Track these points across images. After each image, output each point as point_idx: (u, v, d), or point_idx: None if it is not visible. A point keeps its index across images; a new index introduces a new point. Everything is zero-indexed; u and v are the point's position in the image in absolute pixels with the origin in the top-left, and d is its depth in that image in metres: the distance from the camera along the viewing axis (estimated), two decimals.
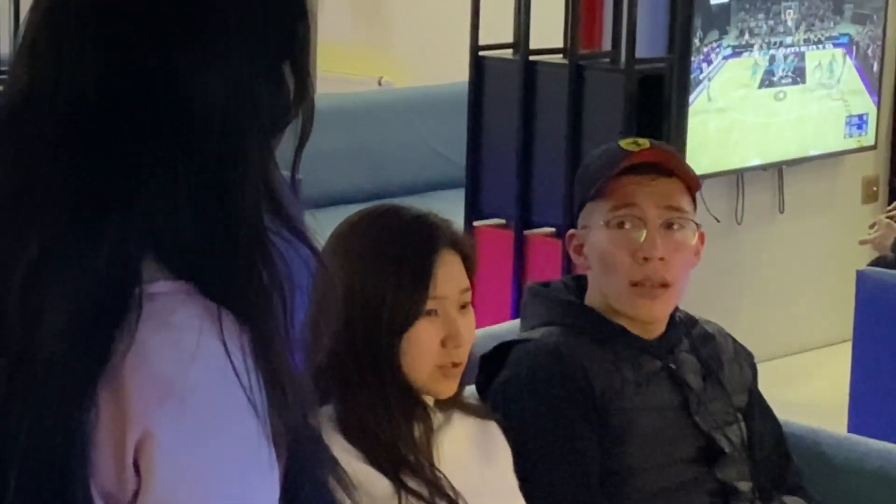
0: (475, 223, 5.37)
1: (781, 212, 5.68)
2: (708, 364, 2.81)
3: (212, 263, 1.30)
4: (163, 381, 1.25)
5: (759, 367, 2.94)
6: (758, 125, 5.57)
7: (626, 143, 2.87)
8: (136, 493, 1.25)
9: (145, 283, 1.25)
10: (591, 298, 2.83)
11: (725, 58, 5.38)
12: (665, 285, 2.71)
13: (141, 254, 1.27)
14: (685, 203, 2.76)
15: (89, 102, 1.30)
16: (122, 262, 1.27)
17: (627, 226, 2.72)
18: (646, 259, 2.68)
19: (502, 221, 5.36)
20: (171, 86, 1.31)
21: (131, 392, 1.25)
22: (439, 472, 2.40)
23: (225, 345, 1.25)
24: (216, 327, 1.26)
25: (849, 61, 5.76)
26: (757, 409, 2.88)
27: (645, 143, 2.87)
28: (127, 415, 1.25)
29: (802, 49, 5.65)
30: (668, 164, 2.79)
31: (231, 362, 1.25)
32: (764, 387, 2.98)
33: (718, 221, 5.22)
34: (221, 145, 1.31)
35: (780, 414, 2.97)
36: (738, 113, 5.49)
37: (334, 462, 1.55)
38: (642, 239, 2.70)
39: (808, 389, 4.97)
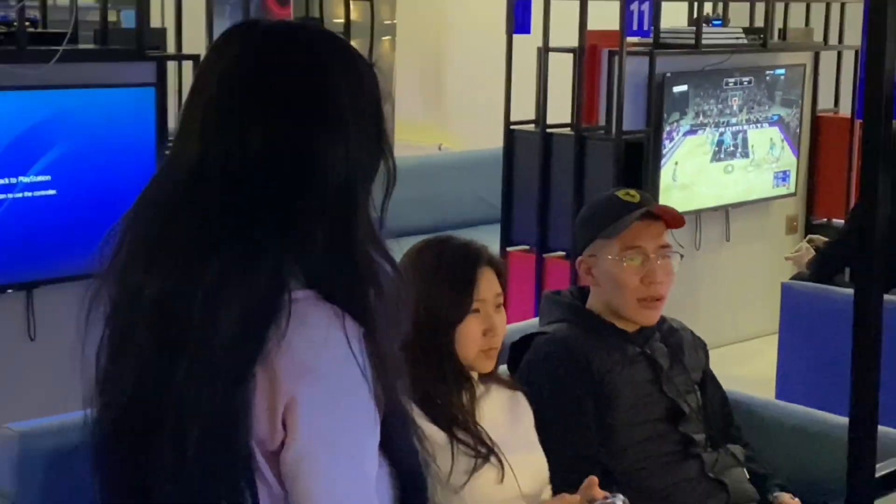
0: (508, 248, 5.53)
1: (728, 241, 5.94)
2: (673, 350, 2.86)
3: (338, 279, 1.42)
4: (302, 363, 1.37)
5: (711, 352, 3.03)
6: (711, 181, 5.74)
7: (622, 195, 2.87)
8: (282, 443, 1.38)
9: (291, 290, 1.39)
10: (591, 304, 2.87)
11: (685, 134, 5.51)
12: (660, 299, 2.79)
13: (290, 272, 1.40)
14: (669, 239, 2.84)
15: (252, 167, 1.39)
16: (278, 280, 1.38)
17: (635, 261, 2.76)
18: (649, 283, 2.75)
19: (527, 247, 5.52)
20: (310, 155, 1.41)
21: (279, 370, 1.36)
22: (480, 427, 2.44)
23: (347, 337, 1.38)
24: (340, 324, 1.38)
25: (779, 134, 5.95)
26: (709, 383, 2.95)
27: (636, 194, 2.87)
28: (277, 386, 1.36)
29: (745, 127, 5.80)
30: (658, 212, 2.84)
31: (351, 349, 1.38)
32: (714, 366, 3.04)
33: (682, 247, 4.75)
34: (343, 196, 1.43)
35: (726, 385, 3.05)
36: (696, 176, 5.63)
37: (413, 420, 1.60)
38: (646, 270, 2.76)
39: (746, 368, 5.14)
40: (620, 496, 2.34)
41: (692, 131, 5.57)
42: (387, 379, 1.43)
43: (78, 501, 2.20)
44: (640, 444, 2.72)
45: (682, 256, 2.92)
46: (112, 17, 4.52)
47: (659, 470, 2.71)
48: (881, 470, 1.45)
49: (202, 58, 1.48)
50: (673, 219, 2.85)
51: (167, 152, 1.49)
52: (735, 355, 5.40)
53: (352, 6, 8.88)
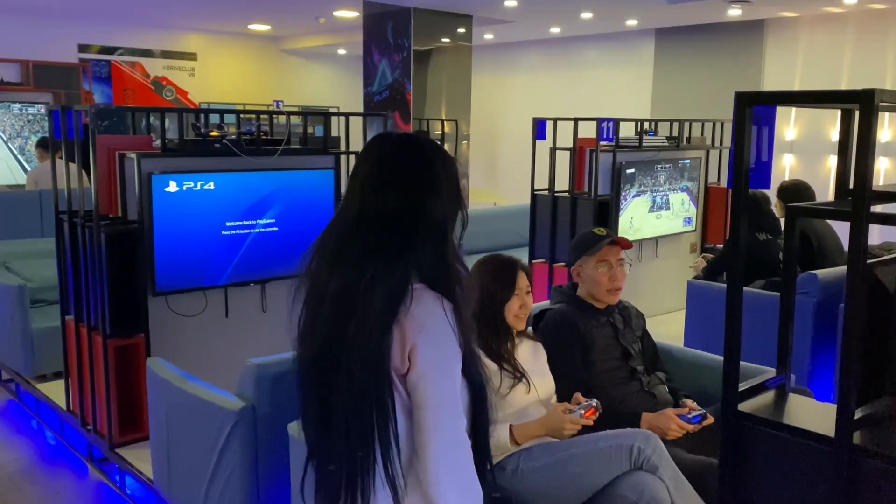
0: (533, 261, 5.42)
1: (657, 256, 5.82)
2: (625, 318, 2.82)
3: (439, 278, 1.39)
4: (420, 324, 1.35)
5: (647, 319, 2.95)
6: (648, 223, 5.56)
7: (596, 231, 2.83)
8: (408, 371, 1.36)
9: (412, 283, 1.37)
10: (580, 293, 2.82)
11: (633, 196, 5.44)
12: (619, 289, 2.77)
13: (412, 274, 1.37)
14: (622, 255, 2.79)
15: (391, 216, 1.38)
16: (405, 278, 1.36)
17: (605, 268, 2.73)
18: (613, 280, 2.74)
19: (543, 260, 5.40)
20: (421, 207, 1.39)
21: (406, 328, 1.34)
22: (517, 361, 2.42)
23: (444, 309, 1.36)
24: (440, 303, 1.37)
25: (687, 197, 5.86)
26: (646, 337, 2.89)
27: (604, 231, 2.83)
28: (405, 337, 1.34)
29: (667, 193, 5.69)
30: (618, 240, 2.78)
31: (446, 316, 1.36)
32: (649, 327, 2.99)
33: (631, 261, 5.34)
34: (439, 230, 1.40)
35: (656, 338, 3.00)
36: (640, 220, 5.49)
37: (479, 356, 1.51)
38: (611, 273, 2.74)
39: (667, 328, 4.87)
40: (595, 400, 2.36)
41: (637, 195, 5.48)
42: (465, 333, 1.40)
43: (291, 405, 2.30)
44: (606, 372, 2.70)
45: (630, 265, 2.88)
46: (310, 129, 4.52)
47: (616, 386, 2.69)
48: (742, 387, 1.40)
49: (360, 152, 1.50)
50: (626, 244, 2.81)
51: (340, 206, 1.48)
52: (661, 321, 5.20)
53: (445, 125, 9.01)
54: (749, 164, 1.18)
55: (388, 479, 1.33)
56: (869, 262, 1.32)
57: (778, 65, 9.25)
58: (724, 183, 6.28)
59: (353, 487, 1.35)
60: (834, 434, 1.10)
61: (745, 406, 1.29)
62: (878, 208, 1.27)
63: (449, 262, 1.41)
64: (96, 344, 3.43)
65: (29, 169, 8.35)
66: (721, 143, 6.27)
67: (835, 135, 8.46)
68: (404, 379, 1.37)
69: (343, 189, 3.96)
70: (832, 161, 8.56)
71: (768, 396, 1.36)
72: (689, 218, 5.95)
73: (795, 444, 1.18)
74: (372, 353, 1.33)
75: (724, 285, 4.29)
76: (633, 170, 5.37)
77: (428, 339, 1.35)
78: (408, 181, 1.42)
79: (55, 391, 4.08)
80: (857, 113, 1.07)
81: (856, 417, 1.12)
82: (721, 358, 2.69)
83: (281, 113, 4.31)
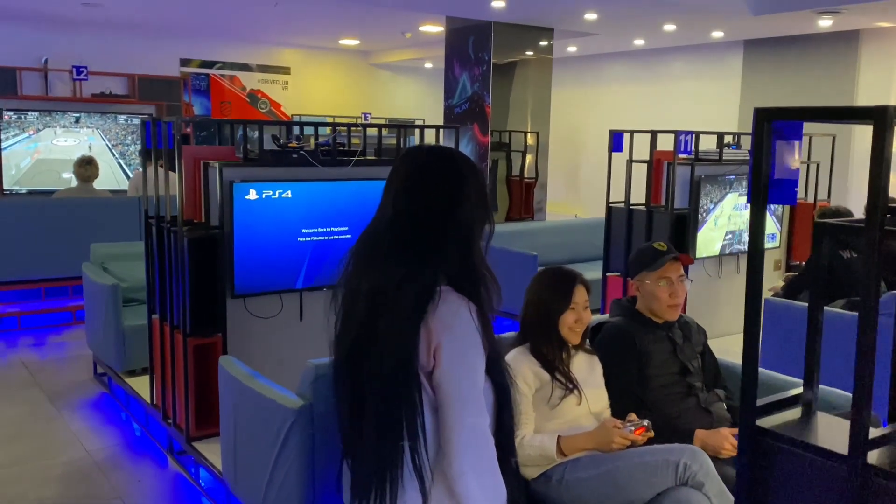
0: (607, 274, 5.38)
1: (738, 273, 5.56)
2: (685, 333, 2.77)
3: (466, 280, 1.43)
4: (445, 324, 1.38)
5: (724, 338, 3.06)
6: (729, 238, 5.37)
7: (657, 245, 2.80)
8: (433, 368, 1.40)
9: (440, 285, 1.41)
10: (639, 306, 2.78)
11: (713, 209, 5.21)
12: (678, 305, 2.73)
13: (440, 276, 1.41)
14: (682, 271, 2.76)
15: (421, 219, 1.44)
16: (433, 280, 1.40)
17: (664, 285, 2.69)
18: (672, 296, 2.70)
19: (618, 273, 5.30)
20: (451, 213, 1.44)
21: (432, 327, 1.38)
22: (571, 373, 2.41)
23: (469, 310, 1.40)
24: (466, 304, 1.41)
25: (767, 212, 5.57)
26: (706, 353, 2.83)
27: (665, 245, 2.79)
28: (431, 336, 1.38)
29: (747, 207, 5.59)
30: (679, 256, 2.76)
31: (471, 317, 1.40)
32: (720, 346, 3.00)
33: (705, 278, 5.27)
34: (467, 235, 1.45)
35: (723, 357, 2.95)
36: (720, 236, 5.32)
37: (503, 356, 1.54)
38: (671, 289, 2.70)
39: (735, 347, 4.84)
40: (647, 420, 2.33)
41: (715, 208, 5.30)
42: (489, 334, 1.44)
43: None
44: (662, 387, 2.66)
45: (692, 281, 2.85)
46: (391, 141, 4.61)
47: (673, 402, 2.65)
48: (766, 401, 1.36)
49: (395, 162, 1.57)
50: (687, 259, 2.80)
51: (375, 213, 1.56)
52: (739, 340, 4.99)
53: (528, 136, 9.01)
54: (767, 179, 1.17)
55: (416, 471, 1.37)
56: None
57: (873, 77, 8.87)
58: (811, 199, 6.09)
59: (382, 479, 1.39)
60: (847, 452, 1.08)
61: (766, 422, 1.27)
62: None
63: (475, 265, 1.45)
64: (177, 342, 3.60)
65: (131, 175, 8.82)
66: (809, 158, 6.05)
67: None
68: (430, 376, 1.41)
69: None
70: None
71: (793, 413, 1.34)
72: (773, 234, 5.74)
73: (810, 461, 1.16)
74: (400, 350, 1.37)
75: (804, 304, 4.27)
76: (712, 183, 5.23)
77: (452, 338, 1.39)
78: (438, 187, 1.46)
79: (142, 386, 4.29)
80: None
81: (878, 437, 1.09)
82: (789, 379, 2.69)
83: (356, 125, 4.39)
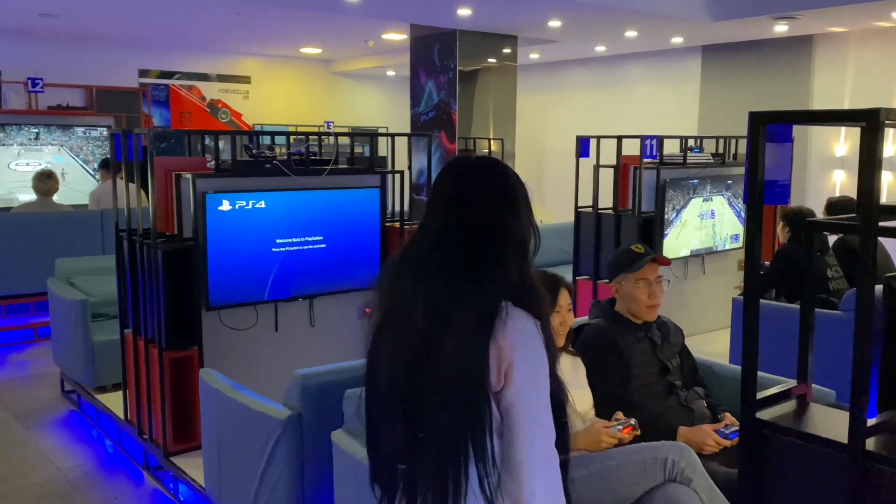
0: (577, 277, 5.39)
1: (704, 273, 5.74)
2: (663, 333, 2.81)
3: (525, 295, 1.37)
4: (516, 341, 1.32)
5: (696, 336, 3.12)
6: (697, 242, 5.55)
7: (635, 247, 2.83)
8: (502, 388, 1.33)
9: (503, 301, 1.35)
10: (618, 308, 2.82)
11: (679, 213, 5.39)
12: (656, 306, 2.77)
13: (504, 291, 1.35)
14: (660, 272, 2.81)
15: (476, 233, 1.39)
16: (498, 294, 1.34)
17: (643, 286, 2.74)
18: (651, 297, 2.75)
19: (588, 276, 5.34)
20: (505, 227, 1.40)
21: (503, 346, 1.31)
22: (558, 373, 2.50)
23: (535, 326, 1.35)
24: (532, 320, 1.35)
25: (733, 213, 5.80)
26: (684, 352, 2.88)
27: (642, 247, 2.83)
28: (503, 354, 1.31)
29: (713, 210, 5.64)
30: (657, 258, 2.81)
31: (538, 332, 1.35)
32: (694, 344, 3.04)
33: (676, 276, 5.35)
34: (521, 249, 1.40)
35: (700, 355, 3.00)
36: (687, 240, 5.47)
37: (558, 374, 1.47)
38: (650, 290, 2.75)
39: (714, 346, 4.74)
40: (633, 419, 2.37)
41: (681, 212, 5.39)
42: (552, 350, 1.40)
43: (334, 415, 2.37)
44: (644, 387, 2.69)
45: (669, 282, 2.91)
46: (359, 149, 4.61)
47: (654, 401, 2.69)
48: (763, 395, 1.38)
49: (440, 173, 1.52)
50: (664, 261, 2.85)
51: (420, 224, 1.48)
52: (708, 338, 5.16)
53: (492, 143, 9.07)
54: (763, 181, 1.21)
55: (484, 494, 1.32)
56: (887, 275, 1.34)
57: (827, 81, 9.10)
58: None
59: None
60: (847, 441, 1.12)
61: (764, 414, 1.31)
62: None
63: (531, 279, 1.41)
64: (152, 356, 3.57)
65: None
66: None
67: (888, 150, 8.32)
68: (496, 396, 1.35)
69: (389, 207, 4.13)
70: (885, 177, 8.39)
71: (789, 406, 1.38)
72: (736, 235, 5.85)
73: (811, 451, 1.20)
74: (471, 370, 1.31)
75: (769, 302, 4.36)
76: (677, 187, 5.33)
77: (524, 355, 1.34)
78: (491, 200, 1.42)
79: (114, 402, 4.23)
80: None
81: (873, 425, 1.14)
82: (765, 375, 2.73)
83: (329, 134, 4.40)
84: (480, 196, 1.41)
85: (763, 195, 1.25)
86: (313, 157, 4.01)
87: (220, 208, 3.56)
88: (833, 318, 3.98)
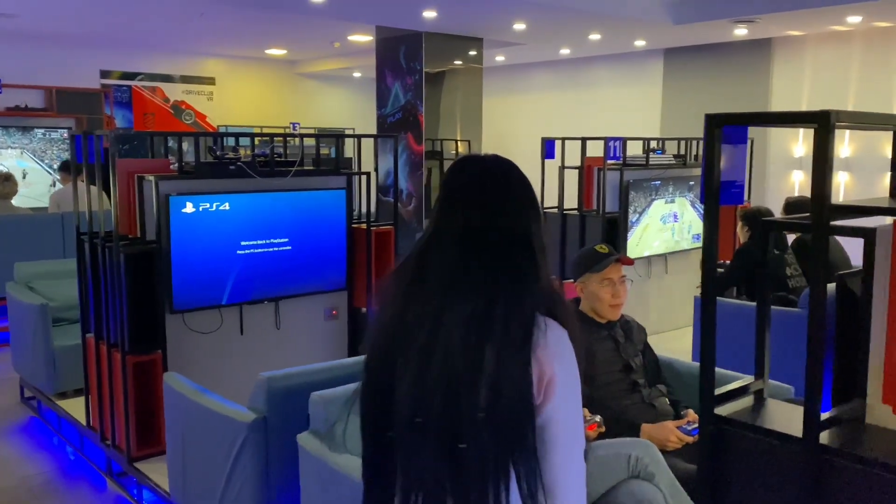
0: None
1: (667, 273, 5.79)
2: (626, 332, 2.84)
3: (554, 304, 1.31)
4: (556, 353, 1.27)
5: (659, 335, 3.12)
6: (659, 243, 5.60)
7: (599, 248, 2.85)
8: (540, 404, 1.27)
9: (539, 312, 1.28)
10: (582, 307, 2.84)
11: (642, 213, 5.43)
12: (620, 305, 2.79)
13: (541, 302, 1.28)
14: (623, 272, 2.82)
15: (504, 237, 1.30)
16: (535, 305, 1.27)
17: (607, 286, 2.76)
18: (615, 297, 2.77)
19: (553, 276, 5.61)
20: (526, 229, 1.32)
21: (542, 359, 1.25)
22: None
23: (568, 336, 1.30)
24: (565, 333, 1.29)
25: (695, 213, 5.83)
26: (647, 350, 2.90)
27: (606, 248, 2.84)
28: (543, 368, 1.25)
29: (675, 210, 5.66)
30: (620, 258, 2.82)
31: (570, 343, 1.30)
32: (658, 342, 3.08)
33: (640, 276, 5.44)
34: (545, 253, 1.34)
35: (662, 353, 3.03)
36: (650, 240, 5.50)
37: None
38: (613, 290, 2.77)
39: (677, 344, 4.84)
40: (598, 416, 2.39)
41: (645, 212, 5.46)
42: (582, 360, 1.34)
43: (300, 418, 2.34)
44: (607, 385, 2.72)
45: (632, 282, 2.93)
46: (325, 150, 4.59)
47: (618, 398, 2.71)
48: (720, 391, 1.41)
49: (453, 170, 1.41)
50: (627, 261, 2.86)
51: (433, 223, 1.37)
52: (671, 337, 5.26)
53: (459, 145, 9.10)
54: (719, 182, 1.23)
55: None
56: (840, 272, 1.37)
57: (785, 83, 9.28)
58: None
59: None
60: (802, 434, 1.15)
61: (722, 410, 1.34)
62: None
63: (556, 289, 1.35)
64: (115, 360, 3.52)
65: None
66: None
67: (846, 151, 8.49)
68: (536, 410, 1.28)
69: (356, 208, 4.12)
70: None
71: (747, 401, 1.41)
72: (698, 235, 5.94)
73: (768, 445, 1.23)
74: (516, 387, 1.24)
75: (729, 300, 4.43)
76: (640, 188, 5.40)
77: (564, 368, 1.29)
78: (518, 204, 1.35)
79: (76, 408, 4.17)
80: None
81: (827, 418, 1.17)
82: (726, 372, 2.69)
83: (294, 135, 4.37)
84: (505, 200, 1.33)
85: (719, 195, 1.28)
86: (278, 159, 3.98)
87: (183, 210, 3.52)
88: (792, 316, 4.04)
